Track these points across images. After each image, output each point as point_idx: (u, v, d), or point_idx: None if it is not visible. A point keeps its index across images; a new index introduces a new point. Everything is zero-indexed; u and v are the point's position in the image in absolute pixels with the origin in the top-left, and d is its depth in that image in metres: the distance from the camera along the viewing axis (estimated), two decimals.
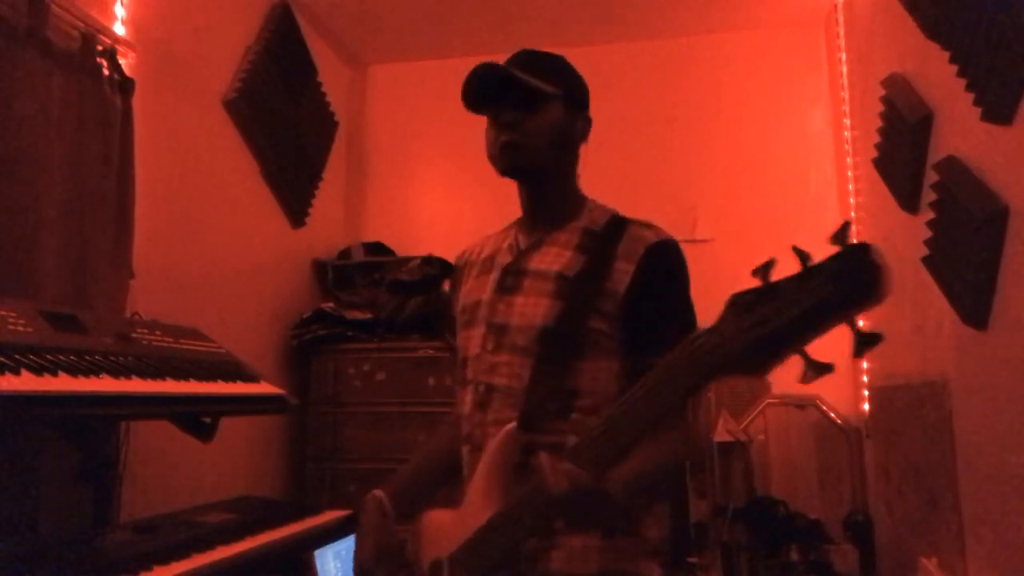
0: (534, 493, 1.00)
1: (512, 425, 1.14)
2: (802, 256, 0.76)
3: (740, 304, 0.80)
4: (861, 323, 0.79)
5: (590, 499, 0.96)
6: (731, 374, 0.84)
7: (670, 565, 1.24)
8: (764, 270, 0.79)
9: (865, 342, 0.75)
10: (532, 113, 1.24)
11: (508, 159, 1.26)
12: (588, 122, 1.33)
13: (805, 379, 0.79)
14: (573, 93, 1.30)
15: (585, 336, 1.19)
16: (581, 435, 0.99)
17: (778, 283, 0.78)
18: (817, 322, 0.75)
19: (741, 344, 0.79)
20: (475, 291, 1.32)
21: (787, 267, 0.79)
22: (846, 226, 0.75)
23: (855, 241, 0.73)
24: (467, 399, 1.28)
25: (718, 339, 0.82)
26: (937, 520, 2.35)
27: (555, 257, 1.25)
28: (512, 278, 1.27)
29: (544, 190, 1.30)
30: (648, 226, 1.27)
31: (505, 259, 1.31)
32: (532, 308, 1.22)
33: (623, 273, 1.20)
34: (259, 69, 3.13)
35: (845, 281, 0.73)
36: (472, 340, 1.28)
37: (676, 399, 0.89)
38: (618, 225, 1.26)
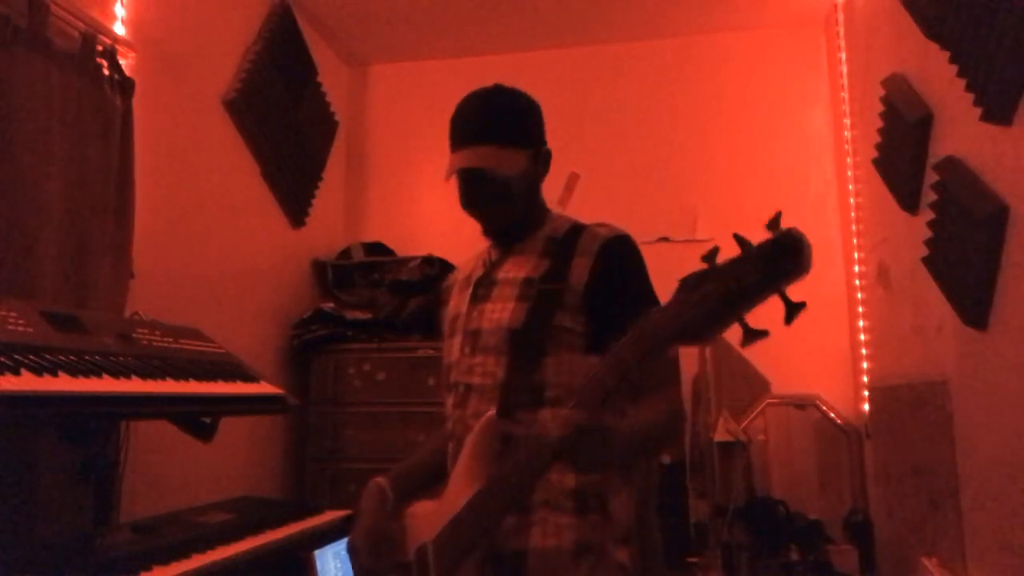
0: (534, 443, 1.08)
1: (491, 413, 1.23)
2: (741, 242, 0.88)
3: (689, 284, 0.93)
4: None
5: (591, 437, 1.05)
6: (684, 342, 0.98)
7: (637, 547, 1.31)
8: (711, 256, 0.92)
9: (794, 309, 0.87)
10: (503, 187, 1.32)
11: (489, 231, 1.41)
12: (548, 153, 1.40)
13: (744, 343, 0.92)
14: (539, 137, 1.39)
15: (551, 332, 1.29)
16: (578, 383, 1.08)
17: (721, 264, 0.90)
18: (753, 293, 0.87)
19: (690, 315, 0.92)
20: (456, 306, 1.45)
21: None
22: (778, 216, 0.86)
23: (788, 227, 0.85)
24: (449, 400, 1.39)
25: (671, 312, 0.95)
26: (937, 520, 2.35)
27: (521, 265, 1.36)
28: (483, 289, 1.39)
29: (515, 222, 1.41)
30: (603, 225, 1.38)
31: (478, 274, 1.43)
32: (500, 313, 1.33)
33: (582, 268, 1.30)
34: (259, 69, 3.13)
35: (776, 256, 0.85)
36: (453, 347, 1.40)
37: (640, 362, 1.00)
38: (577, 230, 1.38)
